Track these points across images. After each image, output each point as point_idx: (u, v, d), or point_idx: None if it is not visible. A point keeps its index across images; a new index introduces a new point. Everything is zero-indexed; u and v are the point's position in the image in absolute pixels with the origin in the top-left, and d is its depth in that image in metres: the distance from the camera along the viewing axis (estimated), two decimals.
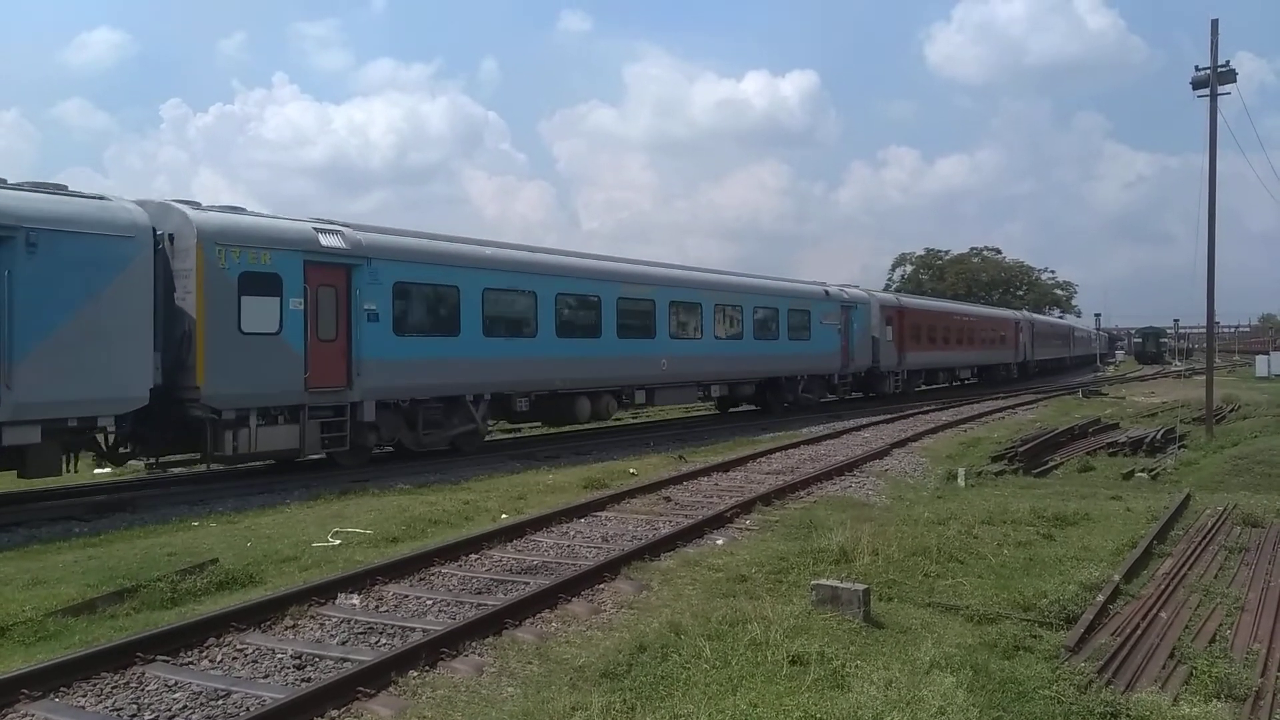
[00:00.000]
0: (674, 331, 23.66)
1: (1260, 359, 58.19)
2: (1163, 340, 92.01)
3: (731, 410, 30.24)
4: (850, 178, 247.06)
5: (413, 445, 17.22)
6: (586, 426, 25.84)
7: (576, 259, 21.80)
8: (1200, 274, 23.78)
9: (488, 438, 20.42)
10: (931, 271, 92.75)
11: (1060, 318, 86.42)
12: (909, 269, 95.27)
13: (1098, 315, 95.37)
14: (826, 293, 30.96)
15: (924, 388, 41.20)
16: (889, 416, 27.67)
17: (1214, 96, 22.78)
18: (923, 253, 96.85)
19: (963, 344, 43.55)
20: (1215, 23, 22.63)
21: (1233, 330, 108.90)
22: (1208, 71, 22.79)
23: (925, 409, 30.95)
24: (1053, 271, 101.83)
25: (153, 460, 14.58)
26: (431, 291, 17.39)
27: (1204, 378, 26.03)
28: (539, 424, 22.84)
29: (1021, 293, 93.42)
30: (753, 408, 29.67)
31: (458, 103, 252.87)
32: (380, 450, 17.31)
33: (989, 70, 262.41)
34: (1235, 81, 23.24)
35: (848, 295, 32.32)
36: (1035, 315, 63.67)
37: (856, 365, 32.34)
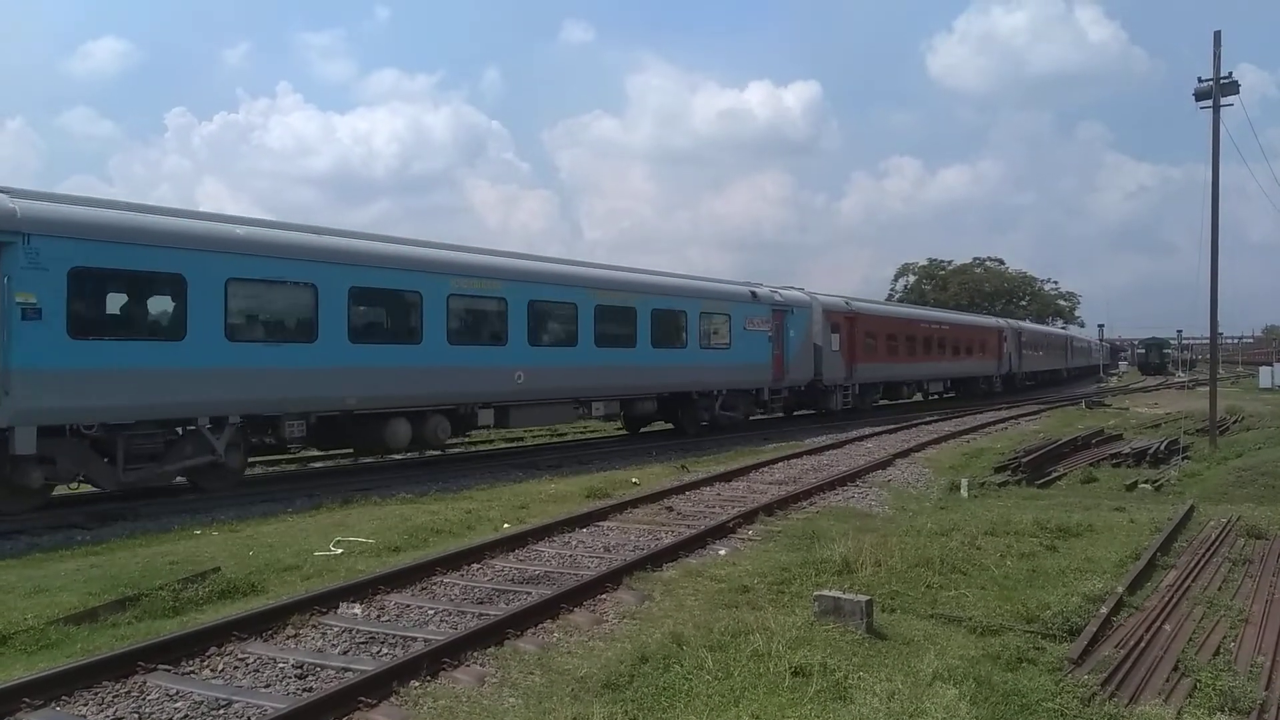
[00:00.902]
0: (535, 337, 19.49)
1: (1264, 370, 58.06)
2: (1166, 351, 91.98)
3: (643, 430, 26.77)
4: (852, 188, 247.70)
5: (110, 485, 13.22)
6: (586, 437, 25.76)
7: (386, 244, 17.27)
8: (1203, 285, 23.78)
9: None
10: (934, 282, 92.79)
11: (1064, 328, 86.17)
12: (912, 279, 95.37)
13: (1101, 326, 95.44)
14: (753, 294, 26.72)
15: (883, 403, 36.99)
16: (892, 427, 27.64)
17: (1217, 108, 22.82)
18: (925, 263, 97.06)
19: (931, 354, 39.42)
20: (1218, 34, 22.71)
21: (1236, 341, 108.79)
22: (1211, 83, 22.84)
23: (928, 419, 30.86)
24: (1055, 282, 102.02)
25: None
26: (136, 280, 13.35)
27: (1207, 389, 25.99)
28: (342, 449, 18.78)
29: (1025, 303, 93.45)
30: (668, 426, 26.03)
31: (461, 112, 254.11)
32: (67, 489, 13.94)
33: (991, 81, 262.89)
34: (1238, 93, 23.30)
35: (782, 298, 28.09)
36: (1024, 323, 59.75)
37: (793, 378, 28.22)
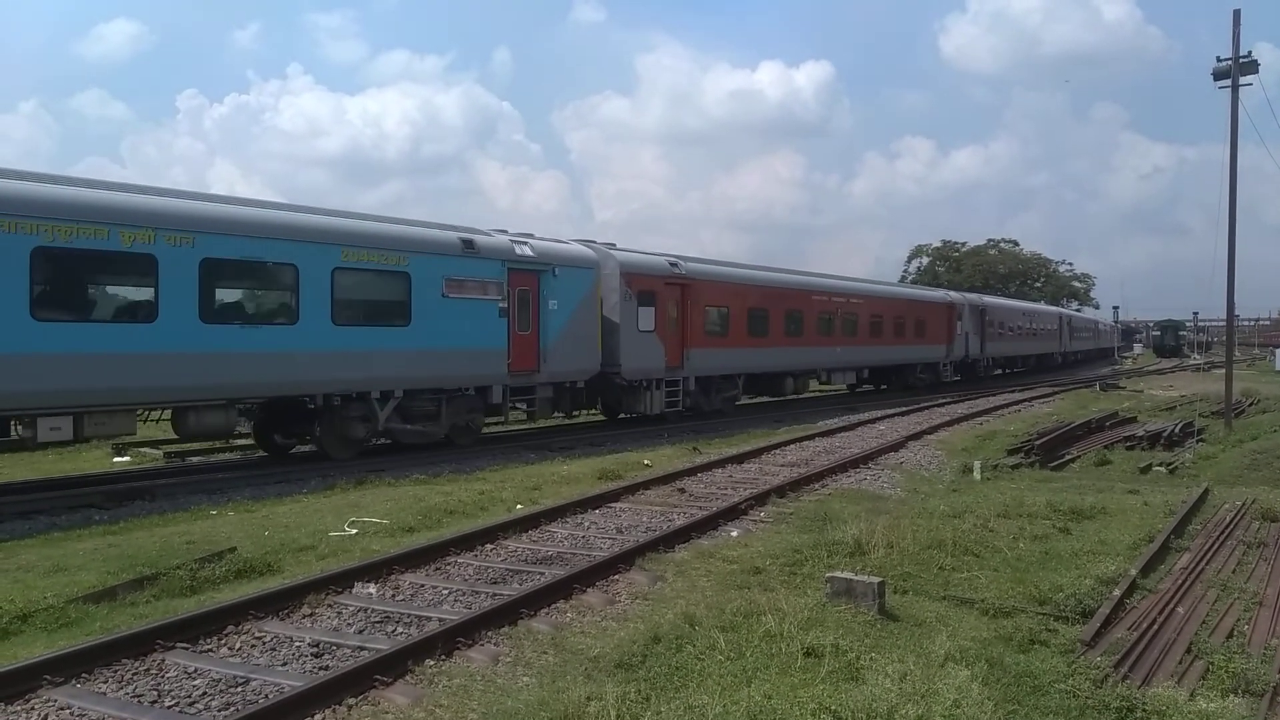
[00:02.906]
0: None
1: None
2: (1181, 333, 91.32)
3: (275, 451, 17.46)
4: (864, 169, 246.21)
5: None
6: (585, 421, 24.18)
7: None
8: (1219, 266, 23.56)
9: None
10: (948, 263, 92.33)
11: (1078, 309, 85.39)
12: (925, 261, 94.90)
13: (1116, 308, 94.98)
14: (467, 242, 17.47)
15: (748, 401, 29.12)
16: (905, 409, 27.56)
17: (1235, 87, 22.54)
18: (939, 244, 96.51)
19: (834, 336, 30.38)
20: (1238, 13, 22.40)
21: (1252, 323, 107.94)
22: (1229, 62, 22.55)
23: (941, 401, 30.60)
24: (1070, 263, 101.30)
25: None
26: None
27: (1223, 371, 25.81)
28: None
29: (1039, 285, 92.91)
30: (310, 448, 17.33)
31: (471, 94, 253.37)
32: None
33: (1004, 61, 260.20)
34: (1257, 72, 23.01)
35: (533, 250, 18.88)
36: (991, 298, 49.24)
37: (559, 370, 19.48)
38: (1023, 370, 52.22)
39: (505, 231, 19.48)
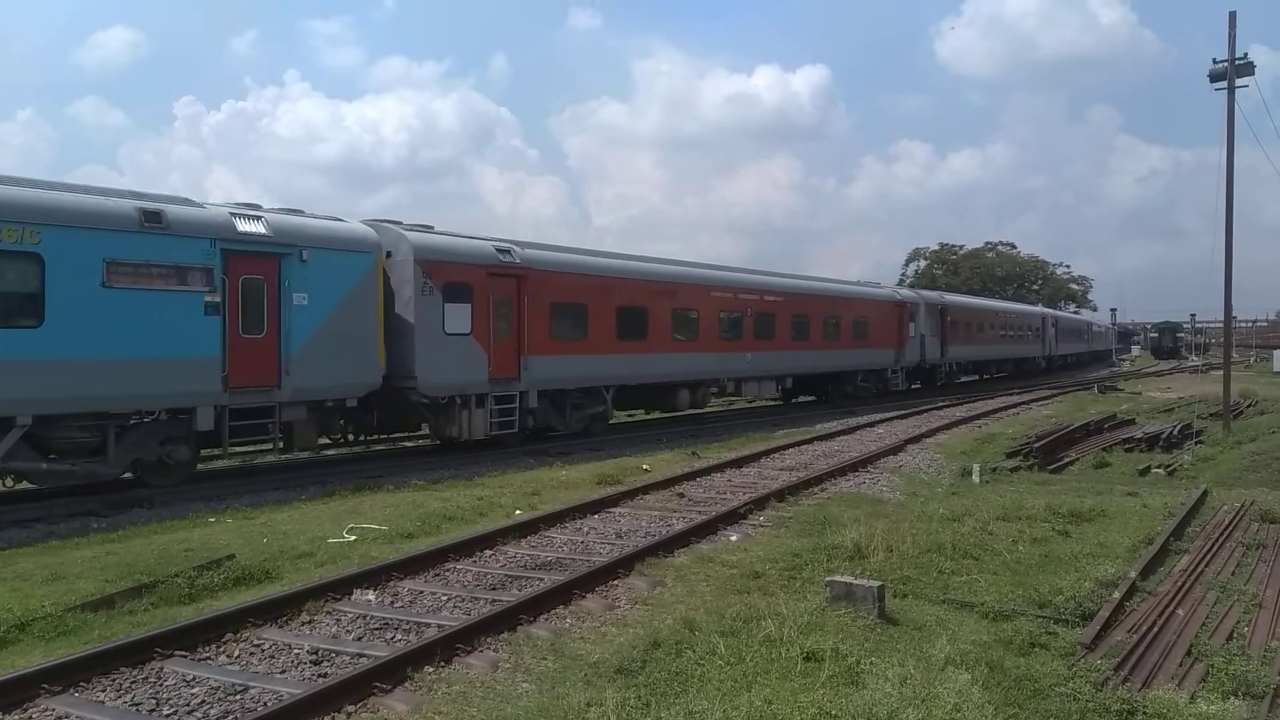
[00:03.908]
0: None
1: (1277, 353, 57.64)
2: (1179, 335, 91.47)
3: None
4: (862, 173, 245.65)
5: None
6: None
7: None
8: (1216, 268, 23.61)
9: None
10: (946, 266, 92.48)
11: (1075, 311, 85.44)
12: (923, 264, 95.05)
13: (1114, 310, 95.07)
14: (150, 215, 13.00)
15: (632, 418, 26.15)
16: (903, 412, 27.57)
17: (1231, 89, 22.62)
18: (937, 247, 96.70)
19: (742, 340, 25.83)
20: (1233, 15, 22.46)
21: (1250, 325, 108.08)
22: (1225, 64, 22.62)
23: (940, 404, 30.57)
24: (1068, 266, 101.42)
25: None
26: None
27: (1221, 373, 25.84)
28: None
29: (1037, 287, 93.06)
30: None
31: (469, 100, 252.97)
32: None
33: (1000, 65, 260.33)
34: (1253, 74, 23.06)
35: (268, 227, 14.47)
36: (953, 296, 45.33)
37: (317, 385, 15.05)
38: (1002, 376, 47.79)
39: (182, 199, 14.29)
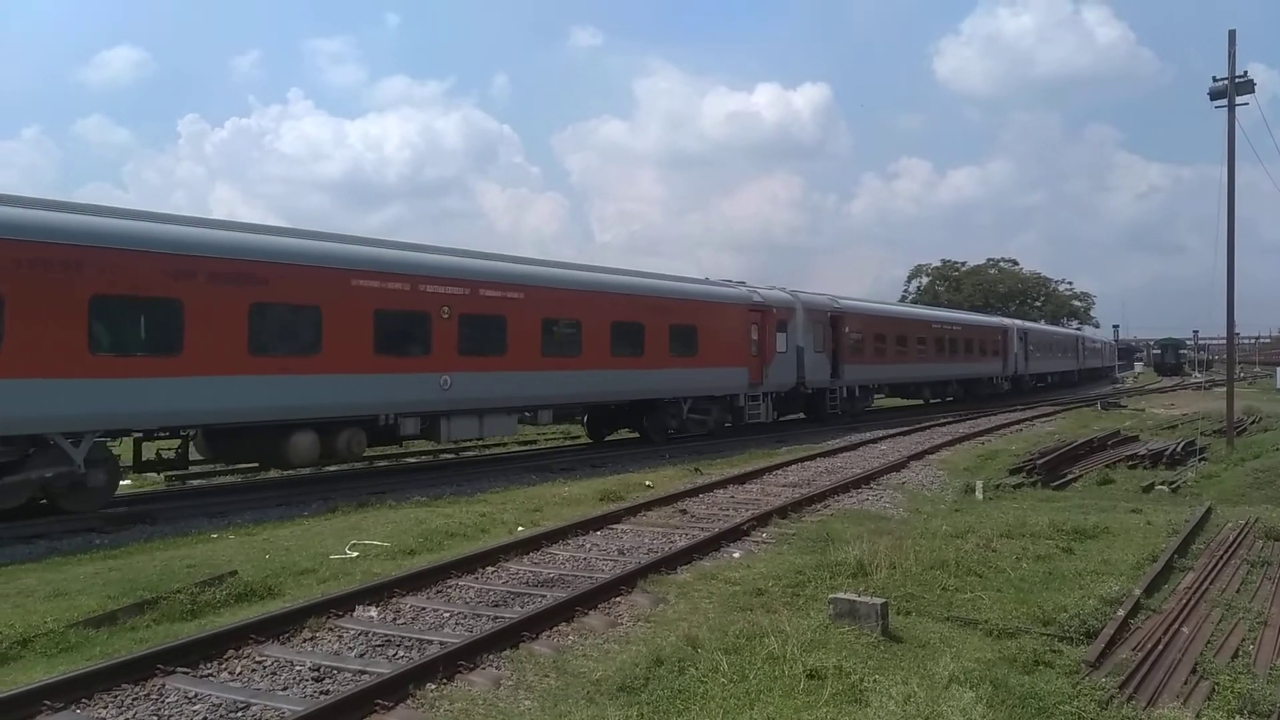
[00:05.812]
0: None
1: None
2: (1182, 352, 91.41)
3: None
4: (862, 190, 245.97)
5: None
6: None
7: None
8: (1218, 285, 23.66)
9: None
10: (948, 283, 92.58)
11: (1078, 328, 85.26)
12: (925, 280, 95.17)
13: (1116, 326, 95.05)
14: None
15: (438, 458, 21.09)
16: (906, 429, 27.54)
17: (1232, 107, 22.67)
18: (939, 264, 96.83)
19: (565, 354, 19.95)
20: (1233, 33, 22.55)
21: (1253, 341, 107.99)
22: (1225, 82, 22.70)
23: (942, 421, 30.59)
24: (1070, 282, 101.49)
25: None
26: None
27: (1224, 389, 25.81)
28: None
29: (1039, 304, 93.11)
30: None
31: (471, 118, 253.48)
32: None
33: (998, 83, 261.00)
34: (1253, 91, 23.13)
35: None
36: (861, 301, 35.92)
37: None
38: (939, 402, 41.85)
39: None
